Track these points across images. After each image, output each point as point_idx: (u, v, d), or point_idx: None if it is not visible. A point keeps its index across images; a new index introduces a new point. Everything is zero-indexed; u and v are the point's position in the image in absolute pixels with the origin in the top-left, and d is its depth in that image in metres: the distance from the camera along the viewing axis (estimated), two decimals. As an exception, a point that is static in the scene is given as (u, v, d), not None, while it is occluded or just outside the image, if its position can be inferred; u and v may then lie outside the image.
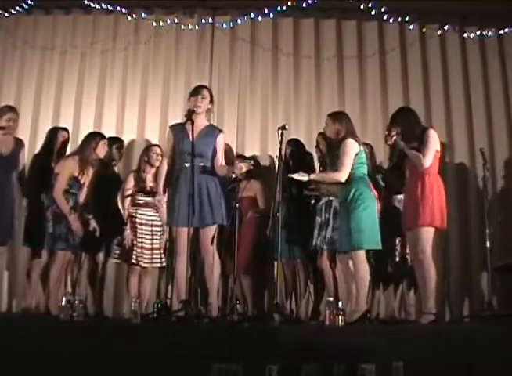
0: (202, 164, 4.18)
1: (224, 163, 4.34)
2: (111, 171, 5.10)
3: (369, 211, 4.11)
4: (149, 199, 4.88)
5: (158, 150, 4.98)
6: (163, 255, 4.95)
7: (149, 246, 4.89)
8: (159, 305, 4.08)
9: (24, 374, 3.11)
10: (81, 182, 4.61)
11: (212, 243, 4.15)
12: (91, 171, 4.71)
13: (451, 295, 5.47)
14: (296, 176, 4.14)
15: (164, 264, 4.95)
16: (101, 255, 5.02)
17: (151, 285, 5.07)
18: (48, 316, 4.33)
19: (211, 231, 4.17)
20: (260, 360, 3.08)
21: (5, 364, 3.10)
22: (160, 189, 4.29)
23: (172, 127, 4.40)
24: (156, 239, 4.94)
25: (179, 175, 4.18)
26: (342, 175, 4.13)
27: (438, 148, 4.26)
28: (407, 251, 4.64)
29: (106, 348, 3.17)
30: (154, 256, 4.92)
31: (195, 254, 4.35)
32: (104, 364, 3.11)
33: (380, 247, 4.18)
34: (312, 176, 4.19)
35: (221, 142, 4.31)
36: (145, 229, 4.91)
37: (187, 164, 4.10)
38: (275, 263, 4.33)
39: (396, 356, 3.14)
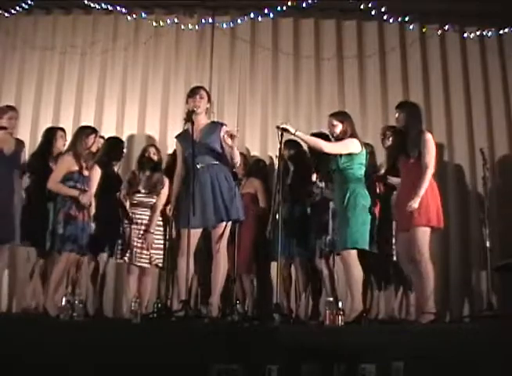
0: (213, 161, 4.18)
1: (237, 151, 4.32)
2: (111, 171, 5.08)
3: (362, 211, 4.13)
4: (144, 199, 4.88)
5: (153, 150, 5.03)
6: (157, 255, 4.94)
7: (145, 245, 4.89)
8: (159, 305, 4.08)
9: (24, 374, 3.11)
10: (85, 175, 4.59)
11: (219, 241, 4.15)
12: (94, 167, 4.72)
13: (451, 295, 5.48)
14: (284, 125, 4.06)
15: (160, 264, 4.94)
16: (104, 256, 5.00)
17: (151, 285, 5.06)
18: (48, 317, 4.32)
19: (222, 230, 4.17)
20: (260, 360, 3.08)
21: (5, 364, 3.10)
22: (173, 198, 4.33)
23: (177, 137, 4.41)
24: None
25: (190, 178, 4.16)
26: (327, 147, 4.17)
27: None
28: (393, 251, 4.64)
29: (106, 348, 3.17)
30: (151, 255, 4.91)
31: (196, 254, 4.34)
32: (104, 364, 3.11)
33: (366, 248, 4.18)
34: (298, 133, 4.12)
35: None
36: (141, 229, 4.91)
37: (198, 166, 4.11)
38: (275, 263, 4.33)
39: (396, 356, 3.15)
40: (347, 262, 4.12)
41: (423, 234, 4.11)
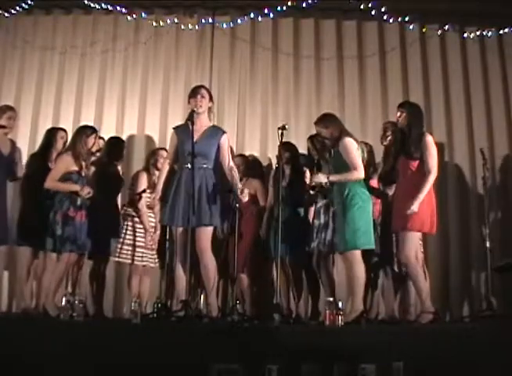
0: (204, 165, 4.18)
1: (232, 163, 4.35)
2: (113, 171, 5.08)
3: (363, 210, 4.15)
4: (152, 200, 4.91)
5: (165, 154, 4.99)
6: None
7: (148, 245, 4.91)
8: (159, 305, 4.08)
9: (24, 374, 3.11)
10: (84, 175, 4.58)
11: (203, 243, 4.14)
12: (91, 167, 4.72)
13: (451, 295, 5.47)
14: (316, 180, 4.18)
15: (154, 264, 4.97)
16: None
17: (151, 285, 5.07)
18: (48, 317, 4.32)
19: (207, 232, 4.16)
20: (260, 360, 3.08)
21: (5, 364, 3.10)
22: (159, 187, 4.30)
23: (176, 128, 4.42)
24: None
25: (181, 175, 4.18)
26: (360, 173, 4.18)
27: None
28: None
29: (106, 348, 3.17)
30: (152, 256, 4.93)
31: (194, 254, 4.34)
32: (104, 364, 3.11)
33: (373, 247, 4.19)
34: (332, 178, 4.20)
35: (225, 143, 4.32)
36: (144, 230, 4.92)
37: (189, 165, 4.11)
38: (275, 263, 4.33)
39: (396, 356, 3.15)
40: (351, 262, 4.12)
41: (412, 238, 4.12)
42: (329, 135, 4.33)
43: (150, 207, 4.87)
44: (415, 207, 4.05)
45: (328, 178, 4.19)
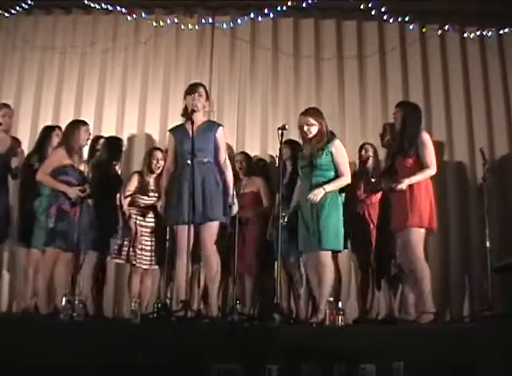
0: (205, 159, 4.17)
1: (227, 158, 4.34)
2: (112, 172, 5.08)
3: (339, 214, 4.15)
4: (150, 202, 4.89)
5: (159, 155, 4.96)
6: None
7: (149, 248, 4.91)
8: (159, 305, 4.08)
9: (24, 374, 3.11)
10: (77, 169, 4.57)
11: (208, 240, 4.13)
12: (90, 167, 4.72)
13: (451, 295, 5.47)
14: (313, 197, 4.09)
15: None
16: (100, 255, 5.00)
17: (152, 285, 5.07)
18: (47, 317, 4.32)
19: (212, 229, 4.15)
20: (260, 360, 3.08)
21: (6, 364, 3.10)
22: (162, 190, 4.31)
23: (172, 130, 4.40)
24: (154, 240, 4.96)
25: (181, 173, 4.17)
26: (349, 178, 4.21)
27: None
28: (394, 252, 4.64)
29: (106, 348, 3.17)
30: (153, 258, 4.93)
31: (195, 253, 4.33)
32: (104, 364, 3.11)
33: (341, 249, 4.21)
34: (328, 189, 4.13)
35: (221, 136, 4.29)
36: (145, 231, 4.92)
37: (189, 162, 4.10)
38: (276, 263, 4.33)
39: (396, 356, 3.15)
40: (324, 263, 4.09)
41: (417, 235, 4.10)
42: (317, 133, 4.25)
43: (153, 209, 4.86)
44: (403, 185, 4.07)
45: (325, 190, 4.11)
